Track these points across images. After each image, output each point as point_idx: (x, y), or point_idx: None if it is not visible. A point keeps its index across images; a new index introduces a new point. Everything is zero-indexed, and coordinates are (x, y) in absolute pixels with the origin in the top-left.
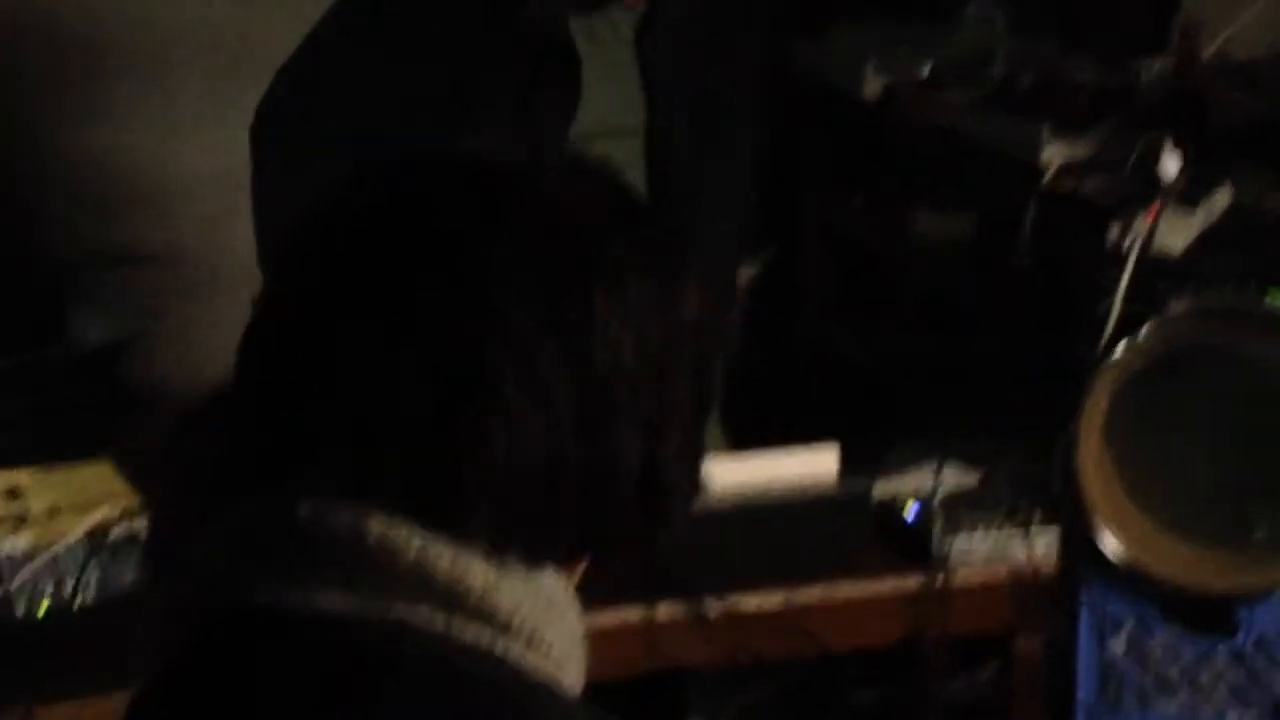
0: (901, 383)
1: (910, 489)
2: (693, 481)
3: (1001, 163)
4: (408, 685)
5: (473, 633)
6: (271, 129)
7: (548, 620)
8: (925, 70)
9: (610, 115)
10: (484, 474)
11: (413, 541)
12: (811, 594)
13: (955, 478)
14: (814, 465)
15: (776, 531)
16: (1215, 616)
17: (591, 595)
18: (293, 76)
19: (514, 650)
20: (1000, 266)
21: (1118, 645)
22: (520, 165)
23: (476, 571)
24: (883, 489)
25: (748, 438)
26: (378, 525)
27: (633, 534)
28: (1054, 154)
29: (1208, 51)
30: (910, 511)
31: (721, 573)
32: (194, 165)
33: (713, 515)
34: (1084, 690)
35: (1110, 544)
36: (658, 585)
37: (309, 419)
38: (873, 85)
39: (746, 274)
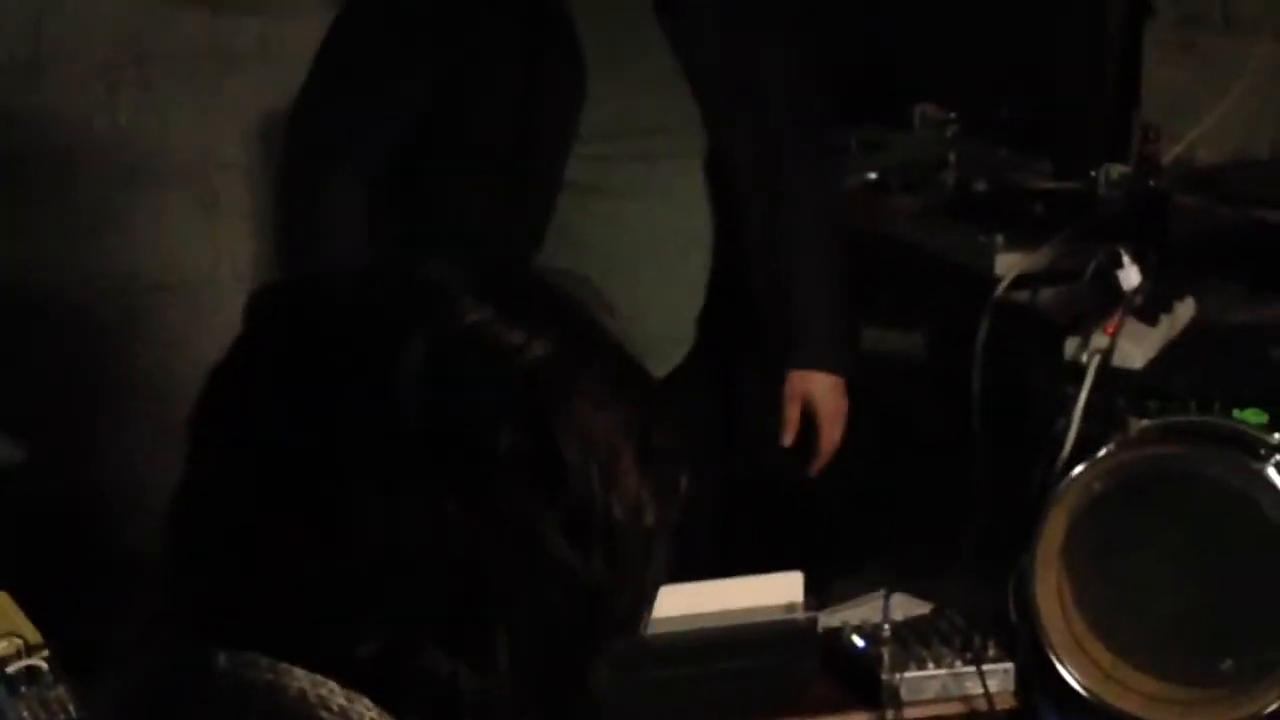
0: (847, 507)
1: (857, 620)
2: None
3: (953, 274)
4: None
5: None
6: (302, 126)
7: None
8: (872, 175)
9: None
10: (473, 676)
11: (336, 699)
12: None
13: (905, 608)
14: (775, 594)
15: (715, 665)
16: None
17: None
18: (320, 78)
19: None
20: (953, 383)
21: None
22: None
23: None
24: (827, 620)
25: (682, 567)
26: (299, 681)
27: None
28: (1008, 265)
29: (1169, 157)
30: (858, 643)
31: (655, 710)
32: (91, 274)
33: (645, 648)
34: None
35: (1069, 679)
36: None
37: (253, 580)
38: None
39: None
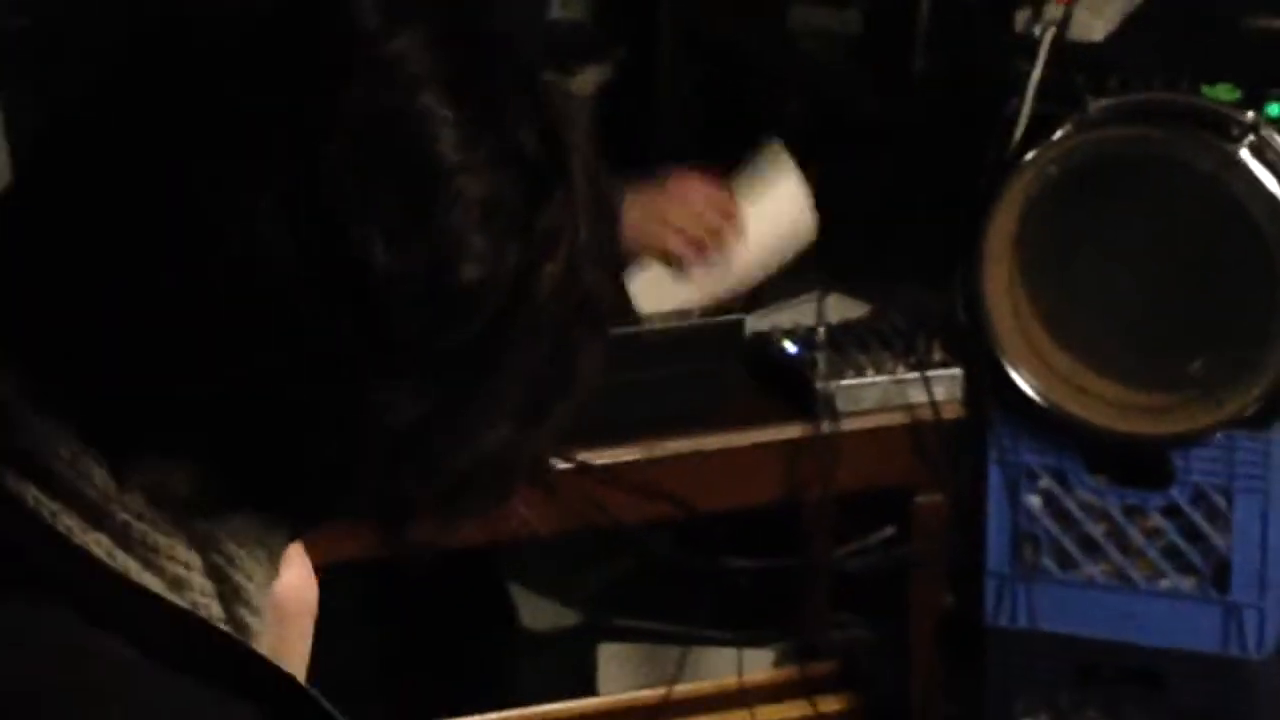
0: None
1: (788, 324)
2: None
3: None
4: None
5: (46, 508)
6: None
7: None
8: None
9: None
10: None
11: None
12: (674, 447)
13: (842, 311)
14: None
15: (631, 372)
16: (1146, 466)
17: None
18: None
19: (104, 542)
20: (894, 64)
21: (1033, 501)
22: None
23: (95, 472)
24: (757, 324)
25: None
26: None
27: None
28: None
29: None
30: (790, 349)
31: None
32: None
33: None
34: (995, 555)
35: (1023, 384)
36: None
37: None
38: None
39: (590, 81)
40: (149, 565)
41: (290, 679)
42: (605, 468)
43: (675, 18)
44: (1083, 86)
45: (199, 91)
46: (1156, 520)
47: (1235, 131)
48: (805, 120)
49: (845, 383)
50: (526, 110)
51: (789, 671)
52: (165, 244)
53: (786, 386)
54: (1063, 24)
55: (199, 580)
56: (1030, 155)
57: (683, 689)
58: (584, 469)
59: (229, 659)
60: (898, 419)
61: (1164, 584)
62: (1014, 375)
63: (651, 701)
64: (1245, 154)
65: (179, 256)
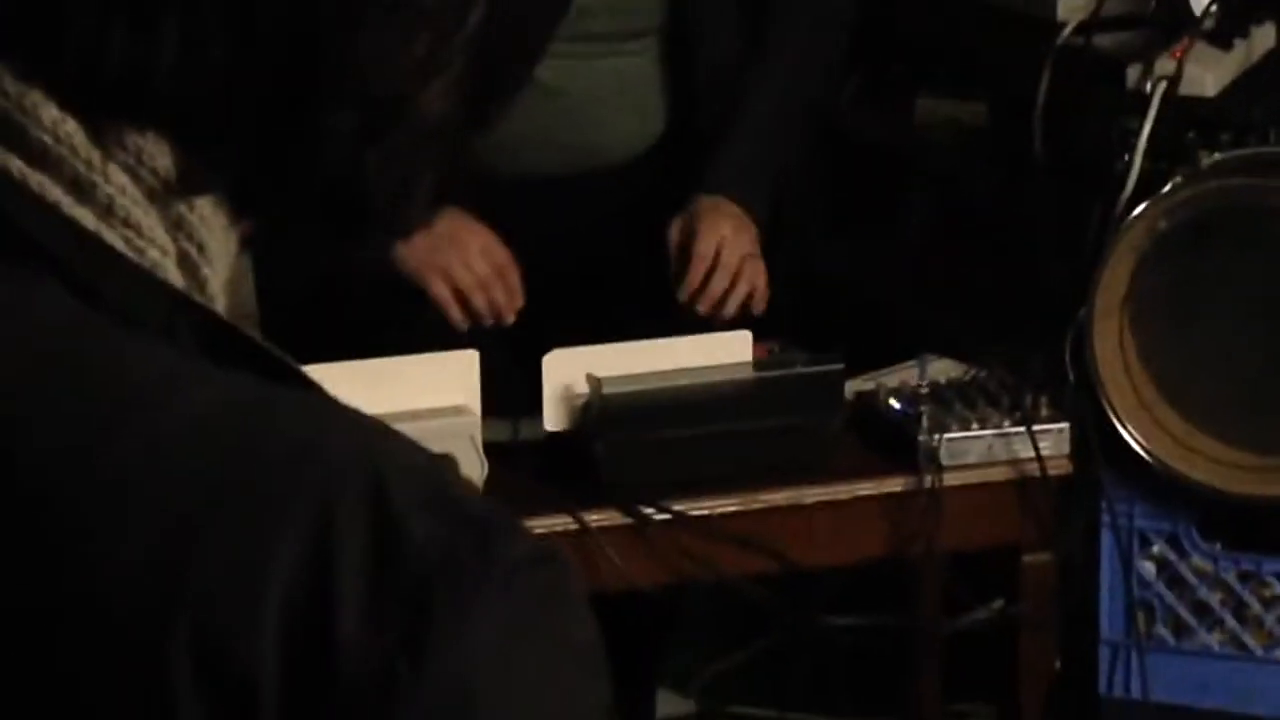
0: (906, 303)
1: (894, 384)
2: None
3: (1013, 24)
4: None
5: (33, 179)
6: None
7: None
8: None
9: None
10: (128, 50)
11: None
12: (774, 498)
13: (946, 372)
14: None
15: (731, 425)
16: (1263, 530)
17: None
18: None
19: (89, 218)
20: (1015, 152)
21: (1147, 568)
22: None
23: (78, 141)
24: (860, 386)
25: None
26: None
27: (337, 196)
28: (1071, 9)
29: None
30: (893, 406)
31: (666, 475)
32: None
33: (654, 406)
34: (1109, 623)
35: (1134, 444)
36: (590, 489)
37: None
38: None
39: None
40: (130, 245)
41: (286, 359)
42: (702, 518)
43: None
44: (1194, 142)
45: None
46: (1275, 587)
47: None
48: (931, 207)
49: (949, 436)
50: None
51: None
52: None
53: (890, 442)
54: (1174, 79)
55: (173, 268)
56: (1140, 209)
57: None
58: (681, 519)
59: (227, 337)
60: (1003, 473)
61: None
62: (1124, 434)
63: None
64: None
65: None
